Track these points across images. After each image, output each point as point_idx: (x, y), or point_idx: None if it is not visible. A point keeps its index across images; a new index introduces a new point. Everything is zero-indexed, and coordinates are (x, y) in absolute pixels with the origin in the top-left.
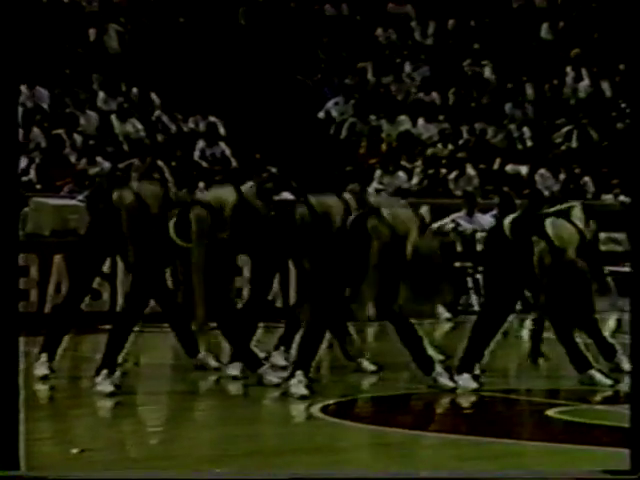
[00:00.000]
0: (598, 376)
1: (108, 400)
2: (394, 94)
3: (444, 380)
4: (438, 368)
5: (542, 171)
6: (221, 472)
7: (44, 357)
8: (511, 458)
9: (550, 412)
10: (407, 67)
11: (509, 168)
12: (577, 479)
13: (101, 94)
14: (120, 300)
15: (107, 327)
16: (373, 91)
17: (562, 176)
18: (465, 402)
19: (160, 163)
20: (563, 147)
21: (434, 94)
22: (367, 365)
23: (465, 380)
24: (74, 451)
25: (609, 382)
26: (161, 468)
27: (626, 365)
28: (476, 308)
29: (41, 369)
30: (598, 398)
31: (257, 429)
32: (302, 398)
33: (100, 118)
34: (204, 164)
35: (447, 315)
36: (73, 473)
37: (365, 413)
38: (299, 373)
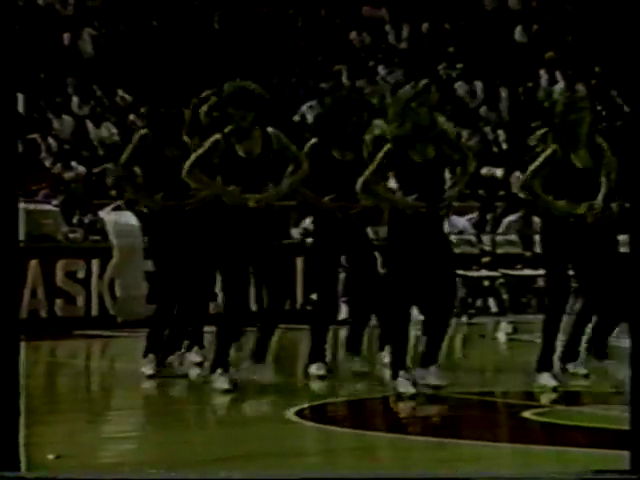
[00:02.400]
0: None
1: (84, 406)
2: (368, 97)
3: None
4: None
5: (517, 174)
6: (221, 472)
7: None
8: (488, 460)
9: (526, 414)
10: (381, 70)
11: (484, 171)
12: (577, 479)
13: (75, 98)
14: (95, 305)
15: (82, 332)
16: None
17: None
18: (441, 404)
19: (135, 168)
20: (538, 149)
21: None
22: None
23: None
24: (50, 457)
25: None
26: (132, 473)
27: None
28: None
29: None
30: (574, 399)
31: (231, 433)
32: (227, 392)
33: (75, 122)
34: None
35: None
36: (73, 473)
37: (341, 416)
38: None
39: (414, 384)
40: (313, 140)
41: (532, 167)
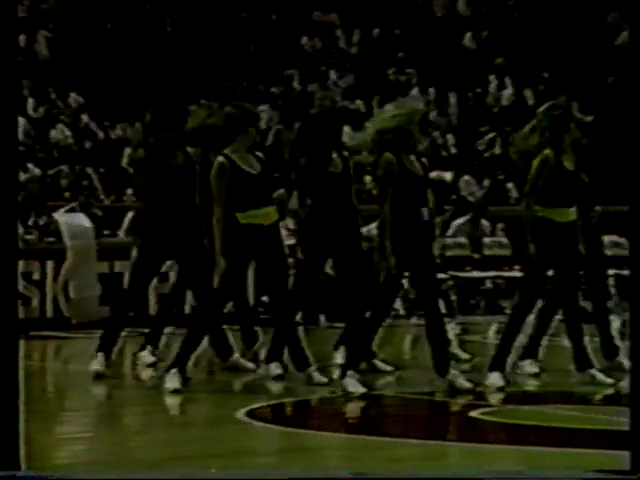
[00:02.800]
0: (599, 375)
1: (38, 407)
2: (319, 102)
3: (461, 381)
4: (453, 370)
5: (466, 177)
6: (220, 472)
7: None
8: (435, 459)
9: (474, 413)
10: (332, 75)
11: (434, 174)
12: (577, 479)
13: (31, 100)
14: (50, 306)
15: (37, 334)
16: (299, 99)
17: (486, 182)
18: (391, 404)
19: (89, 170)
20: (487, 154)
21: (359, 102)
22: (382, 365)
23: (494, 378)
24: None
25: (610, 381)
26: (85, 473)
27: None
28: (401, 312)
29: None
30: (521, 399)
31: (183, 433)
32: (175, 392)
33: (30, 124)
34: (131, 170)
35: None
36: (73, 473)
37: (290, 417)
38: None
39: (363, 384)
40: (302, 160)
41: (529, 184)
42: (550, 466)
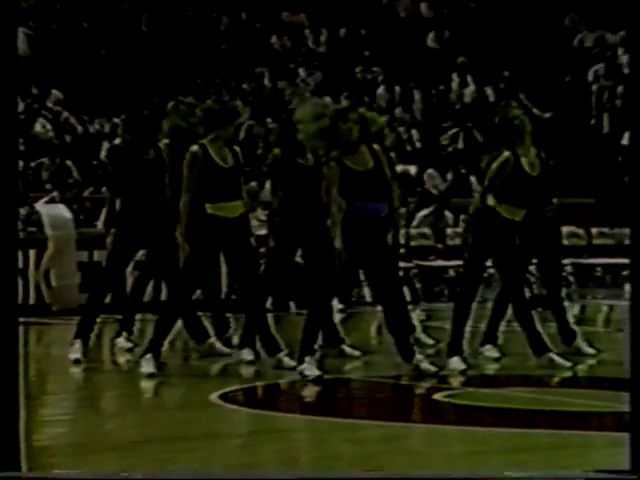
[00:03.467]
0: (557, 359)
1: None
2: (289, 98)
3: (426, 365)
4: (418, 355)
5: (430, 171)
6: (220, 472)
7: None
8: (400, 440)
9: (437, 396)
10: (302, 72)
11: (399, 168)
12: (577, 479)
13: None
14: (32, 293)
15: (20, 320)
16: (269, 95)
17: (449, 176)
18: (357, 388)
19: (69, 163)
20: (450, 148)
21: (327, 98)
22: (350, 350)
23: (454, 362)
24: None
25: (568, 364)
26: (62, 455)
27: (588, 350)
28: (368, 300)
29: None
30: (483, 382)
31: (158, 416)
32: (150, 376)
33: None
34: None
35: (340, 306)
36: (73, 473)
37: (261, 400)
38: (149, 355)
39: (319, 368)
40: (276, 150)
41: (487, 180)
42: (509, 446)
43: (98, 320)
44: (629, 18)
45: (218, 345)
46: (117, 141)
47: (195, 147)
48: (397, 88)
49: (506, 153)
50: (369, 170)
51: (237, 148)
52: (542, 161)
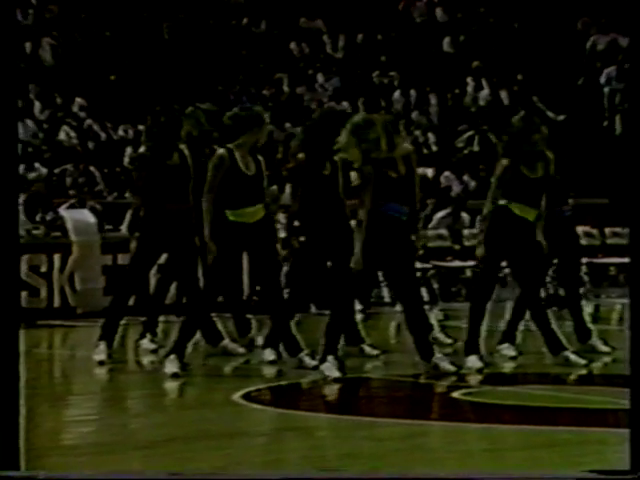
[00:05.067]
0: (573, 357)
1: (46, 391)
2: (307, 103)
3: (445, 364)
4: (438, 354)
5: (447, 173)
6: (220, 472)
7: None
8: (419, 438)
9: (455, 394)
10: (320, 78)
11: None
12: (577, 479)
13: (37, 103)
14: (56, 297)
15: (45, 322)
16: (288, 100)
17: (465, 177)
18: (377, 386)
19: (92, 169)
20: (465, 151)
21: (345, 103)
22: (370, 350)
23: (472, 361)
24: None
25: (584, 362)
26: (91, 454)
27: (603, 348)
28: (387, 300)
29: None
30: (500, 380)
31: (180, 416)
32: (174, 376)
33: (37, 126)
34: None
35: (359, 307)
36: (73, 473)
37: (283, 399)
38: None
39: (340, 369)
40: (301, 155)
41: (491, 187)
42: (527, 444)
43: (122, 322)
44: (631, 19)
45: (231, 346)
46: (142, 149)
47: (222, 151)
48: (413, 92)
49: (504, 161)
50: (402, 177)
51: (261, 157)
52: (546, 163)
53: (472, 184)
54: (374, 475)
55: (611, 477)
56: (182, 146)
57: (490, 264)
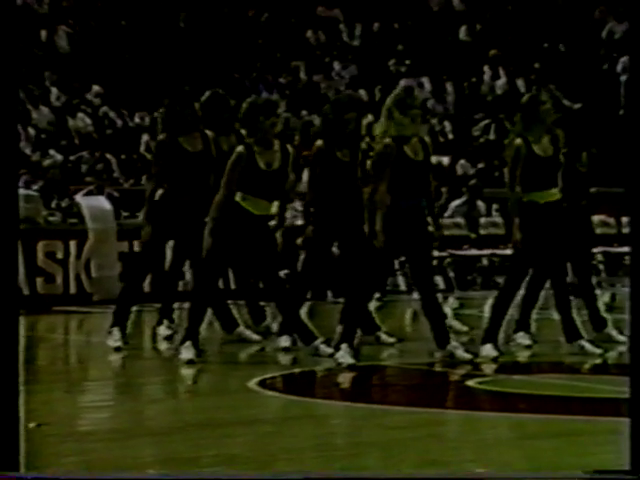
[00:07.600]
0: (588, 346)
1: (61, 377)
2: (324, 91)
3: (460, 352)
4: (453, 342)
5: (462, 161)
6: (220, 472)
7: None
8: (434, 426)
9: (470, 382)
10: (336, 66)
11: (432, 159)
12: (577, 479)
13: (53, 90)
14: (72, 283)
15: (61, 309)
16: (305, 88)
17: (481, 166)
18: (392, 374)
19: (108, 156)
20: (482, 139)
21: (362, 91)
22: (385, 337)
23: (487, 350)
24: (31, 425)
25: (599, 351)
26: (106, 440)
27: (619, 337)
28: (403, 288)
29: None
30: (515, 369)
31: (195, 403)
32: (189, 363)
33: (52, 113)
34: (149, 156)
35: (375, 295)
36: (73, 473)
37: (298, 386)
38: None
39: (354, 356)
40: (319, 142)
41: (508, 172)
42: (541, 433)
43: (138, 309)
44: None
45: (247, 333)
46: (161, 136)
47: (240, 148)
48: (430, 80)
49: (517, 140)
50: (419, 161)
51: (291, 149)
52: (556, 145)
53: (488, 172)
54: (374, 475)
55: (611, 477)
56: (208, 132)
57: (524, 255)
